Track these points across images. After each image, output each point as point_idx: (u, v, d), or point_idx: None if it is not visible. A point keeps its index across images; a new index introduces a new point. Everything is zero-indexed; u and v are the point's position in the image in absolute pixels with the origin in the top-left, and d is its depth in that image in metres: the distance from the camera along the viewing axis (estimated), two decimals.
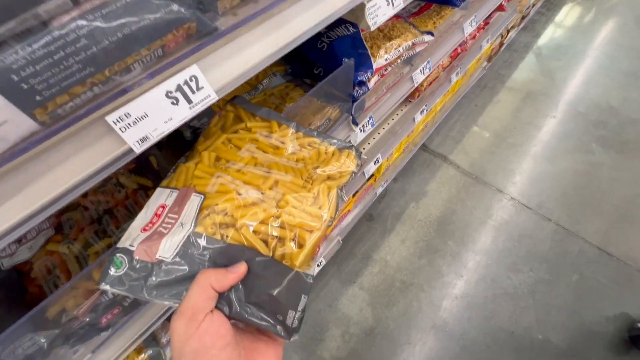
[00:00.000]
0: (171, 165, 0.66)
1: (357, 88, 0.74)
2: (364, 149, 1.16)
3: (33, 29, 0.24)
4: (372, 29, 0.55)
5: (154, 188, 0.60)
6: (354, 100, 0.76)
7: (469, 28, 1.11)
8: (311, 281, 0.39)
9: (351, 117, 0.80)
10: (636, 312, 1.29)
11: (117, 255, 0.36)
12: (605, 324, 1.27)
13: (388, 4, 0.56)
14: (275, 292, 0.37)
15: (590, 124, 1.85)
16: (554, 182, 1.64)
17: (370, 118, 0.89)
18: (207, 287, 0.33)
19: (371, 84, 0.77)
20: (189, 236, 0.36)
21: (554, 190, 1.62)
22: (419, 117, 1.24)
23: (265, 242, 0.38)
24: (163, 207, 0.39)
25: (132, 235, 0.37)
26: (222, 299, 0.35)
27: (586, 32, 2.35)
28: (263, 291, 0.37)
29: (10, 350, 0.39)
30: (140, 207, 0.57)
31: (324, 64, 0.77)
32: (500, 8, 1.38)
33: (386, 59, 0.76)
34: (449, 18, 1.02)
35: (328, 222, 0.39)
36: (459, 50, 1.29)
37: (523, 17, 2.11)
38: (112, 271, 0.35)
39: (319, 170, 0.42)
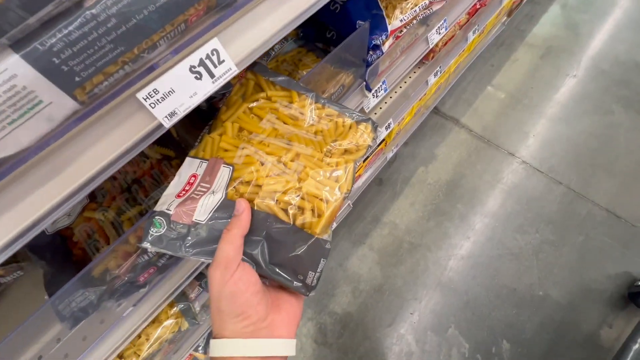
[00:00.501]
0: (190, 134, 0.68)
1: (371, 52, 0.72)
2: (375, 113, 1.15)
3: (67, 11, 0.25)
4: None
5: (177, 158, 0.63)
6: (368, 65, 0.74)
7: None
8: (329, 247, 0.42)
9: (364, 82, 0.79)
10: (638, 272, 1.33)
11: (156, 217, 0.40)
12: (605, 282, 1.33)
13: None
14: (297, 256, 0.41)
15: (612, 82, 1.77)
16: (568, 145, 1.62)
17: (383, 82, 0.88)
18: (233, 240, 0.37)
19: (385, 48, 0.75)
20: (220, 203, 0.39)
21: (568, 153, 1.60)
22: (432, 80, 1.20)
23: (286, 211, 0.41)
24: (195, 176, 0.42)
25: (168, 201, 0.41)
26: (250, 259, 0.39)
27: None
28: (286, 254, 0.41)
29: (66, 304, 0.45)
30: (166, 176, 0.60)
31: (337, 26, 0.75)
32: None
33: (401, 20, 0.73)
34: None
35: (345, 195, 0.41)
36: (478, 6, 1.22)
37: None
38: (153, 231, 0.39)
39: (336, 144, 0.43)
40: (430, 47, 0.96)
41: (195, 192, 0.40)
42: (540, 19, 2.05)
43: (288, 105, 0.46)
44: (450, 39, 1.21)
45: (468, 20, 1.24)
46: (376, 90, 0.85)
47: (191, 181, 0.41)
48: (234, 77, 0.41)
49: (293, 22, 0.41)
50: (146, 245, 0.40)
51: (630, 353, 1.07)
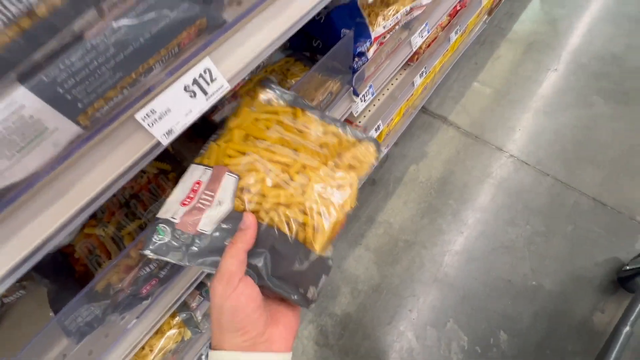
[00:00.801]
0: (185, 148, 0.69)
1: (356, 59, 0.75)
2: (364, 116, 1.17)
3: (70, 44, 0.26)
4: None
5: (173, 171, 0.64)
6: (354, 71, 0.77)
7: None
8: (331, 264, 0.42)
9: (352, 88, 0.81)
10: (626, 257, 1.37)
11: (160, 225, 0.39)
12: (595, 269, 1.37)
13: None
14: (299, 272, 0.41)
15: (592, 75, 1.83)
16: (553, 137, 1.67)
17: (370, 87, 0.90)
18: (237, 254, 0.37)
19: (370, 54, 0.77)
20: (227, 215, 0.40)
21: (553, 145, 1.64)
22: (418, 81, 1.23)
23: (289, 226, 0.41)
24: (199, 183, 0.42)
25: (172, 208, 0.41)
26: (253, 271, 0.39)
27: None
28: (288, 268, 0.41)
29: (72, 319, 0.46)
30: (163, 190, 0.62)
31: (323, 35, 0.77)
32: None
33: (384, 27, 0.76)
34: None
35: (348, 211, 0.42)
36: (458, 7, 1.26)
37: None
38: (156, 239, 0.39)
39: (341, 159, 0.44)
40: (414, 50, 0.99)
41: (200, 201, 0.40)
42: (520, 16, 2.11)
43: (294, 121, 0.47)
44: (433, 41, 1.24)
45: (449, 22, 1.28)
46: (363, 94, 0.88)
47: (195, 188, 0.41)
48: (229, 91, 0.43)
49: (280, 38, 0.43)
50: (148, 252, 0.39)
51: (622, 336, 1.11)
